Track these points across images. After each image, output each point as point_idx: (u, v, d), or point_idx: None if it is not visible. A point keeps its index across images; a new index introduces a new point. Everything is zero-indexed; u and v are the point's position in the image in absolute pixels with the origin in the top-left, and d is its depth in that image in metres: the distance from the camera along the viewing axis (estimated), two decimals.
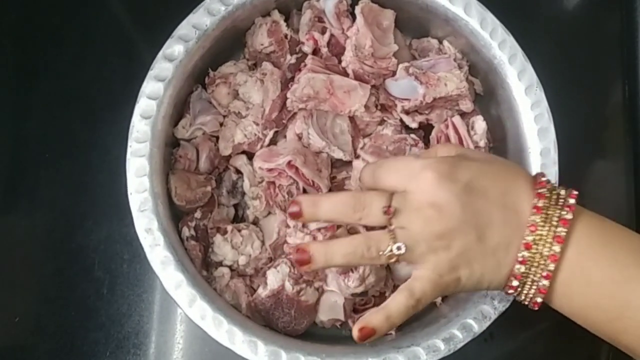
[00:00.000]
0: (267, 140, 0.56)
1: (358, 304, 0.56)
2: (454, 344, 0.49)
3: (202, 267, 0.54)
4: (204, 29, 0.54)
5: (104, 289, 0.61)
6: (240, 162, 0.57)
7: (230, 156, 0.58)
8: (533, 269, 0.42)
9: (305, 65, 0.56)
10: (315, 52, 0.58)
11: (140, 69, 0.53)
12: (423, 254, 0.43)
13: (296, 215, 0.45)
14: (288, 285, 0.53)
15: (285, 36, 0.58)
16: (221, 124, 0.58)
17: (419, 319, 0.54)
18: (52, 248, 0.62)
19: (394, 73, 0.57)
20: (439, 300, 0.56)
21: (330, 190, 0.55)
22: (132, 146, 0.51)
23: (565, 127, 0.55)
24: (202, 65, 0.57)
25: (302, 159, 0.53)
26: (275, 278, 0.53)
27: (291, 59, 0.57)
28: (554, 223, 0.41)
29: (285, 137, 0.57)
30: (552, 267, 0.41)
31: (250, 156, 0.57)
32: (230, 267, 0.55)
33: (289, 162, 0.53)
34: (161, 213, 0.51)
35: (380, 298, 0.56)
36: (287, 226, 0.55)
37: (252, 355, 0.48)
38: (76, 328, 0.60)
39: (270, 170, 0.55)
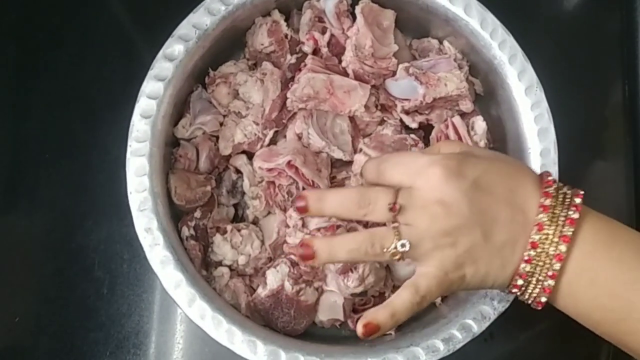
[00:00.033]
0: (267, 140, 0.56)
1: (357, 304, 0.56)
2: (453, 345, 0.49)
3: (201, 266, 0.54)
4: (204, 29, 0.54)
5: (104, 289, 0.61)
6: (240, 161, 0.57)
7: (230, 156, 0.58)
8: (538, 268, 0.41)
9: (305, 65, 0.56)
10: (316, 52, 0.58)
11: (140, 69, 0.53)
12: (428, 251, 0.42)
13: (303, 210, 0.45)
14: (287, 285, 0.53)
15: (286, 36, 0.58)
16: (221, 124, 0.58)
17: (419, 319, 0.53)
18: (52, 248, 0.62)
19: (394, 73, 0.58)
20: (438, 300, 0.56)
21: None
22: (132, 145, 0.51)
23: (565, 127, 0.55)
24: (202, 65, 0.57)
25: (302, 158, 0.53)
26: (275, 278, 0.53)
27: (291, 59, 0.57)
28: (561, 222, 0.41)
29: (285, 137, 0.57)
30: (557, 266, 0.41)
31: (250, 156, 0.57)
32: (229, 266, 0.55)
33: (288, 162, 0.53)
34: (161, 212, 0.51)
35: (380, 298, 0.56)
36: (287, 226, 0.55)
37: (252, 355, 0.48)
38: (76, 328, 0.60)
39: (270, 170, 0.55)
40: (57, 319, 0.60)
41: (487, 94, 0.60)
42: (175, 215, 0.54)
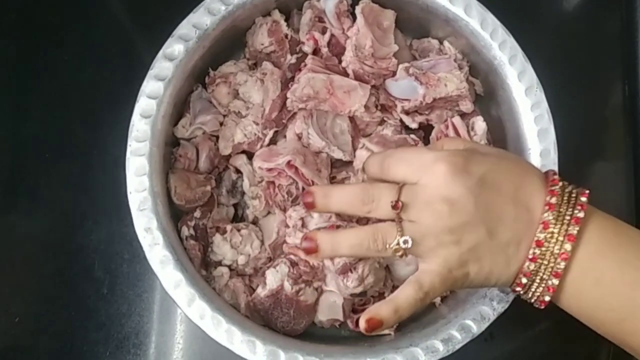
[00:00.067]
0: (267, 140, 0.56)
1: (357, 304, 0.56)
2: (452, 345, 0.49)
3: (201, 266, 0.54)
4: (204, 29, 0.54)
5: (104, 289, 0.61)
6: (240, 161, 0.57)
7: (230, 156, 0.58)
8: (543, 266, 0.41)
9: (305, 65, 0.56)
10: (316, 52, 0.58)
11: (140, 69, 0.53)
12: (431, 248, 0.42)
13: (310, 206, 0.45)
14: (287, 285, 0.53)
15: (286, 36, 0.58)
16: (221, 124, 0.58)
17: (418, 320, 0.54)
18: (52, 248, 0.62)
19: (394, 73, 0.57)
20: (438, 300, 0.56)
21: None
22: (132, 145, 0.51)
23: (565, 127, 0.55)
24: (202, 65, 0.57)
25: (301, 158, 0.53)
26: (275, 278, 0.53)
27: (291, 59, 0.57)
28: (566, 221, 0.41)
29: (285, 137, 0.57)
30: (562, 265, 0.41)
31: (250, 156, 0.57)
32: (229, 266, 0.55)
33: (288, 162, 0.53)
34: (160, 212, 0.51)
35: (379, 298, 0.56)
36: (287, 226, 0.55)
37: (251, 355, 0.48)
38: (76, 328, 0.60)
39: (269, 170, 0.55)
40: (57, 319, 0.60)
41: (487, 94, 0.60)
42: (175, 215, 0.54)
